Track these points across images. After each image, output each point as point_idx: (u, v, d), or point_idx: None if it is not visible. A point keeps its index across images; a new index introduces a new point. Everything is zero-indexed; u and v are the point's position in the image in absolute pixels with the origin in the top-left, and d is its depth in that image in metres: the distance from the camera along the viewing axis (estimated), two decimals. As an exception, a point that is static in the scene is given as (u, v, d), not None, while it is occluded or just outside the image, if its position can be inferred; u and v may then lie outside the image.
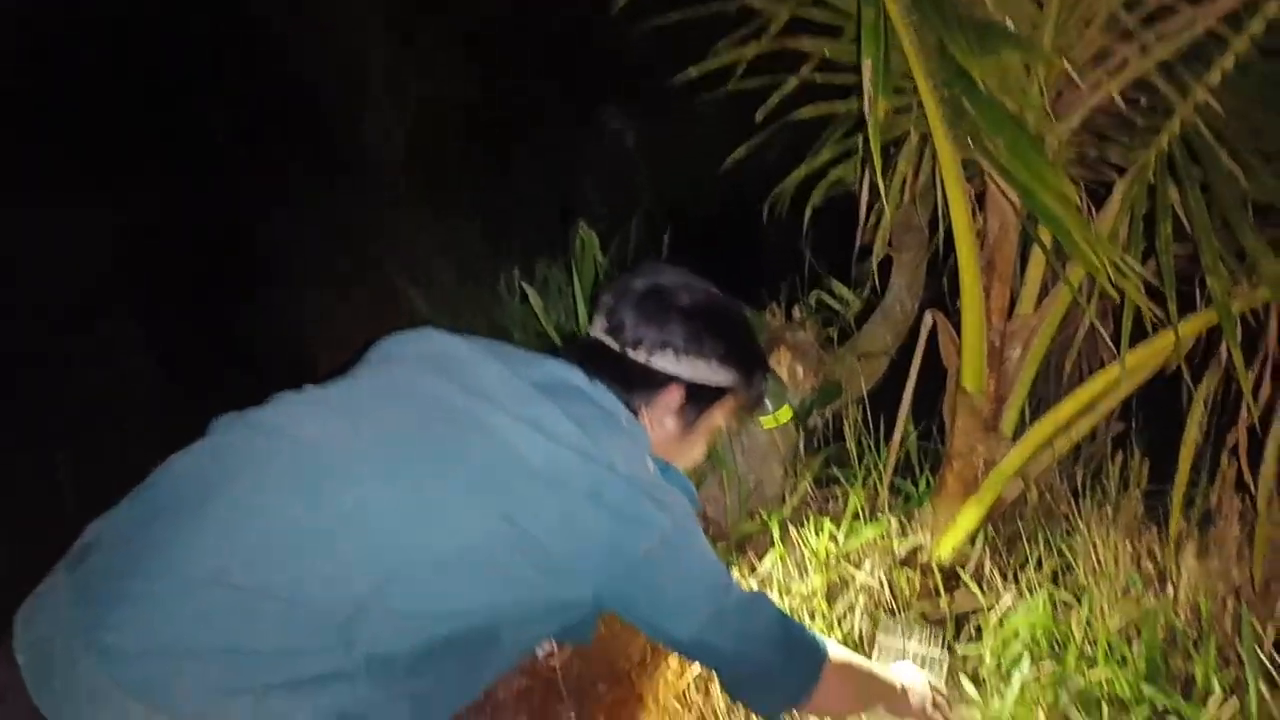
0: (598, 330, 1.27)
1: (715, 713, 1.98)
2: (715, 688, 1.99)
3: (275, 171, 4.47)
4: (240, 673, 0.97)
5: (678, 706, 2.03)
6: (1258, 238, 1.71)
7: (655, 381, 1.24)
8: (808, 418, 2.66)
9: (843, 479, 2.56)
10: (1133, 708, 1.86)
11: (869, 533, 2.35)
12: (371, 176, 4.99)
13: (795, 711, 1.37)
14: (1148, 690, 1.89)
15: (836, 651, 1.38)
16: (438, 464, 1.08)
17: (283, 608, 0.99)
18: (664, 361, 1.23)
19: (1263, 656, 2.05)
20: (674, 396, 1.24)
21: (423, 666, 1.05)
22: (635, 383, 1.23)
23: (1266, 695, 2.00)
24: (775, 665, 1.28)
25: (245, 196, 4.40)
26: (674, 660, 2.13)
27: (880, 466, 2.57)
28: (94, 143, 4.05)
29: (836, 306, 2.87)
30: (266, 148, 4.55)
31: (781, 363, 2.62)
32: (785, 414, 1.38)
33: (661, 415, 1.25)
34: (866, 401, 2.75)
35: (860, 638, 2.22)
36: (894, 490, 2.59)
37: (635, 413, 1.23)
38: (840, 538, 2.35)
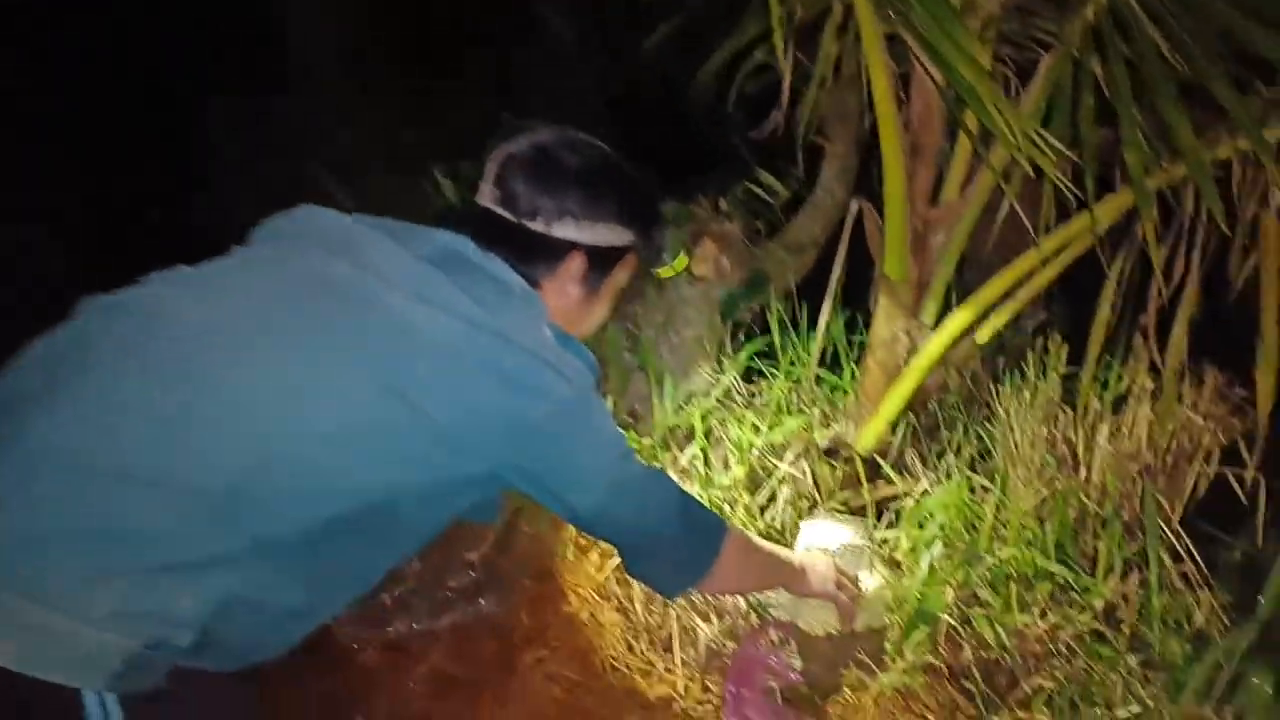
0: (488, 200, 1.22)
1: (635, 601, 1.98)
2: (632, 582, 2.00)
3: (201, 66, 4.22)
4: (113, 555, 0.94)
5: (598, 598, 2.03)
6: (1180, 112, 1.66)
7: (556, 250, 1.20)
8: (735, 312, 2.62)
9: (768, 372, 2.54)
10: (1037, 584, 1.90)
11: (791, 424, 2.34)
12: (301, 71, 4.74)
13: (695, 588, 1.38)
14: (1053, 567, 1.93)
15: (736, 530, 1.39)
16: (322, 339, 1.05)
17: (155, 490, 0.96)
18: (564, 229, 1.19)
19: (1168, 533, 2.12)
20: (577, 263, 1.21)
21: (316, 548, 1.03)
22: (534, 253, 1.20)
23: (1170, 569, 2.07)
24: (675, 539, 1.29)
25: (165, 94, 4.14)
26: (595, 554, 2.13)
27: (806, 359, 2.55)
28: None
29: (766, 197, 2.80)
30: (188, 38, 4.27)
31: (708, 256, 2.56)
32: (681, 262, 1.40)
33: (564, 283, 1.22)
34: (795, 294, 2.72)
35: (783, 528, 2.24)
36: (820, 382, 2.58)
37: (536, 284, 1.20)
38: (764, 430, 2.34)
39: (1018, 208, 1.98)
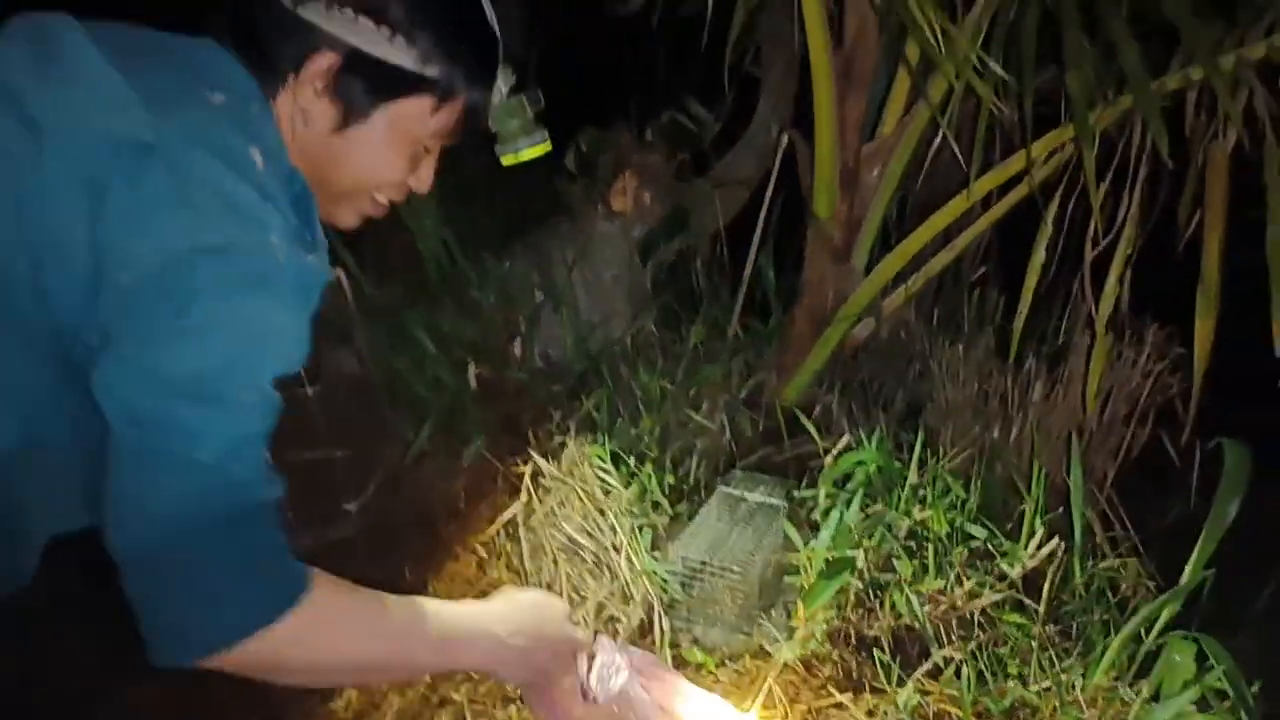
0: None
1: (521, 557, 1.83)
2: (523, 533, 1.84)
3: None
4: None
5: (484, 553, 1.88)
6: (1125, 30, 1.50)
7: (302, 40, 0.87)
8: (655, 252, 2.45)
9: (689, 318, 2.38)
10: (953, 546, 1.78)
11: (710, 373, 2.19)
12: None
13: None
14: (973, 530, 1.81)
15: (325, 587, 0.84)
16: None
17: None
18: (313, 12, 0.86)
19: (1100, 497, 2.01)
20: (323, 65, 0.87)
21: None
22: (275, 38, 0.87)
23: (1100, 535, 1.96)
24: (209, 550, 0.77)
25: None
26: (484, 507, 1.97)
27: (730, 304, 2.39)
28: None
29: (693, 128, 2.62)
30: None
31: (628, 188, 2.38)
32: (535, 150, 1.01)
33: (307, 92, 0.88)
34: (723, 236, 2.55)
35: (698, 485, 2.09)
36: (745, 329, 2.42)
37: (280, 87, 0.88)
38: (678, 377, 2.19)
39: (953, 143, 1.82)
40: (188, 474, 0.75)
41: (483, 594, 1.81)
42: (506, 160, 1.01)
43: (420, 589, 1.82)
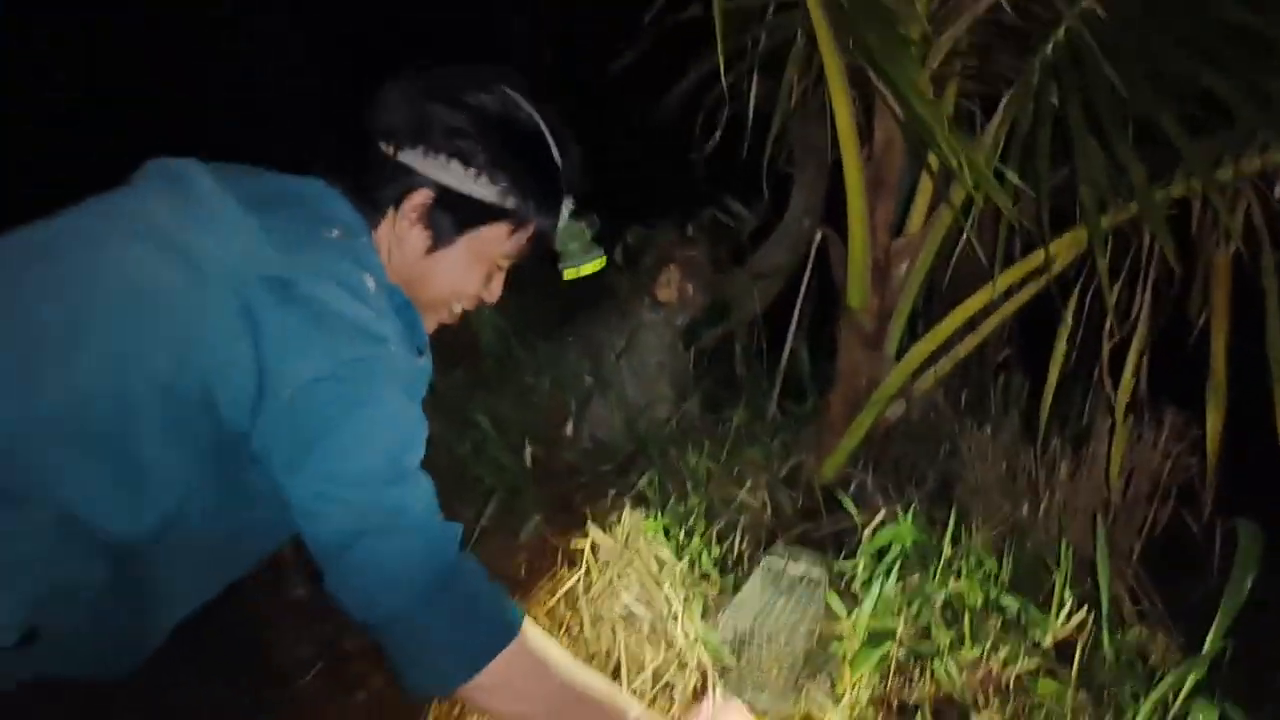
0: (367, 118, 1.07)
1: (581, 626, 1.95)
2: (584, 604, 1.96)
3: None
4: None
5: (547, 620, 2.00)
6: (1132, 150, 1.68)
7: (401, 181, 1.04)
8: (698, 339, 2.62)
9: (730, 401, 2.53)
10: (988, 617, 1.88)
11: (750, 453, 2.33)
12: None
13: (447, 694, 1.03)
14: (1006, 601, 1.92)
15: (537, 636, 1.01)
16: (65, 292, 0.89)
17: None
18: (410, 156, 1.03)
19: (1127, 571, 2.10)
20: (419, 201, 1.04)
21: (115, 548, 0.89)
22: (378, 183, 1.04)
23: (1126, 606, 2.06)
24: (434, 613, 0.94)
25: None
26: (544, 581, 2.10)
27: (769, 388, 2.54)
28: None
29: (732, 225, 2.81)
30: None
31: (672, 280, 2.56)
32: (593, 265, 1.18)
33: (404, 224, 1.04)
34: (760, 323, 2.72)
35: (740, 557, 2.21)
36: (783, 412, 2.57)
37: (382, 219, 1.05)
38: (723, 457, 2.33)
39: (974, 242, 1.98)
40: (405, 542, 0.92)
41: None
42: (569, 275, 1.19)
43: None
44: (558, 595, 2.03)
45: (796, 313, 2.44)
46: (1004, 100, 1.98)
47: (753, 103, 2.18)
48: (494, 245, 1.10)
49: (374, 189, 1.04)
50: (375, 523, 0.91)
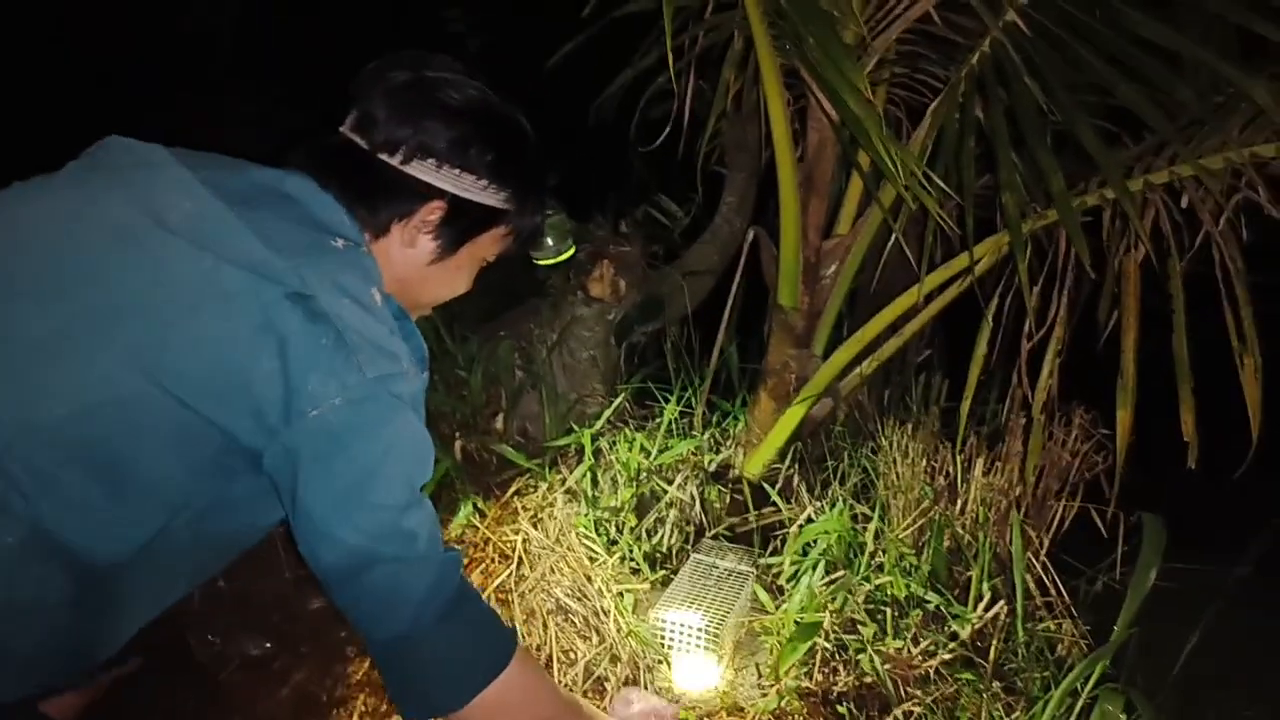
0: (347, 125, 1.04)
1: (513, 621, 1.94)
2: (515, 599, 1.95)
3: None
4: None
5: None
6: (1052, 159, 1.75)
7: (410, 194, 1.03)
8: (629, 335, 2.62)
9: (661, 396, 2.55)
10: (911, 610, 1.94)
11: (681, 447, 2.35)
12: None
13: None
14: (926, 595, 1.98)
15: (529, 661, 1.05)
16: (69, 295, 0.87)
17: None
18: (422, 170, 1.02)
19: (1035, 564, 2.19)
20: (433, 214, 1.04)
21: (86, 567, 0.86)
22: (383, 193, 1.02)
23: (1037, 599, 2.15)
24: (436, 642, 0.96)
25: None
26: (477, 572, 2.08)
27: (699, 384, 2.57)
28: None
29: (665, 222, 2.83)
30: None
31: (605, 276, 2.56)
32: (566, 254, 1.23)
33: (414, 236, 1.04)
34: (691, 320, 2.74)
35: (670, 552, 2.23)
36: (712, 408, 2.60)
37: (385, 231, 1.03)
38: (653, 452, 2.34)
39: (903, 244, 2.04)
40: (417, 569, 0.93)
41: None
42: (544, 263, 1.24)
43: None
44: (489, 589, 2.02)
45: (727, 310, 2.47)
46: (931, 107, 2.04)
47: (688, 102, 2.20)
48: (490, 247, 1.12)
49: (377, 199, 1.03)
50: (390, 549, 0.91)
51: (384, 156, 1.02)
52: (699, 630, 1.81)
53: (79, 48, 4.06)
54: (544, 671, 1.12)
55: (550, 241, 1.21)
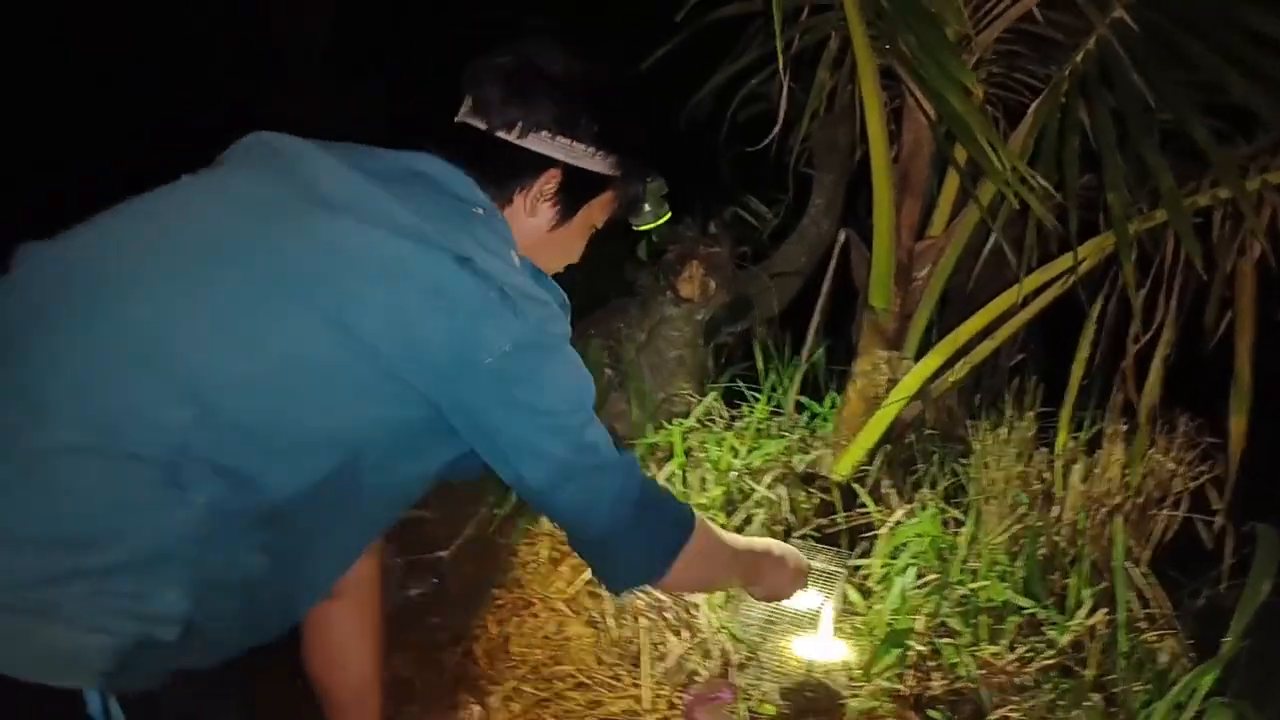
0: (462, 112, 1.13)
1: (606, 615, 1.97)
2: (603, 596, 1.99)
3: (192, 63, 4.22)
4: (60, 559, 0.85)
5: (568, 611, 2.02)
6: (1161, 159, 1.71)
7: (529, 166, 1.11)
8: (717, 335, 2.64)
9: (749, 396, 2.55)
10: (1007, 616, 1.91)
11: (770, 447, 2.35)
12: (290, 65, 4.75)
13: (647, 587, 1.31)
14: (1022, 601, 1.94)
15: (702, 531, 1.22)
16: (245, 266, 0.95)
17: (93, 463, 0.87)
18: (538, 143, 1.10)
19: (1136, 574, 2.13)
20: (550, 182, 1.12)
21: (278, 515, 0.93)
22: (506, 168, 1.11)
23: (1138, 610, 2.09)
24: (628, 535, 1.12)
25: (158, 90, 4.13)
26: (567, 566, 2.12)
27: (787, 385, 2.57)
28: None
29: (753, 223, 2.84)
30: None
31: (694, 276, 2.58)
32: (665, 219, 1.29)
33: (536, 204, 1.13)
34: (779, 321, 2.74)
35: (766, 549, 2.24)
36: (800, 408, 2.59)
37: (510, 201, 1.12)
38: (742, 452, 2.35)
39: (1004, 243, 2.01)
40: (607, 476, 1.08)
41: (560, 647, 1.96)
42: (644, 227, 1.30)
43: (505, 642, 1.96)
44: (578, 584, 2.06)
45: (817, 311, 2.46)
46: (1033, 106, 2.01)
47: (783, 106, 2.20)
48: (601, 212, 1.19)
49: (500, 172, 1.10)
50: (581, 462, 1.05)
51: (502, 134, 1.09)
52: (789, 629, 1.81)
53: (79, 48, 4.13)
54: (718, 533, 1.28)
55: (649, 206, 1.26)
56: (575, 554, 1.22)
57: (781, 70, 1.61)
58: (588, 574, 2.03)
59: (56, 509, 0.87)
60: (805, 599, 1.92)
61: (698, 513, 1.22)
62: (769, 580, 1.44)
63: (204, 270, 0.95)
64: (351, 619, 1.36)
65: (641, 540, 1.15)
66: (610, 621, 1.95)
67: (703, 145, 2.69)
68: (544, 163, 1.10)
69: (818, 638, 1.81)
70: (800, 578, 1.49)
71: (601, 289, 2.78)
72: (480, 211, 1.05)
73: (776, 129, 2.29)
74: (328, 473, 0.96)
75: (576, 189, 1.13)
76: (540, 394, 1.01)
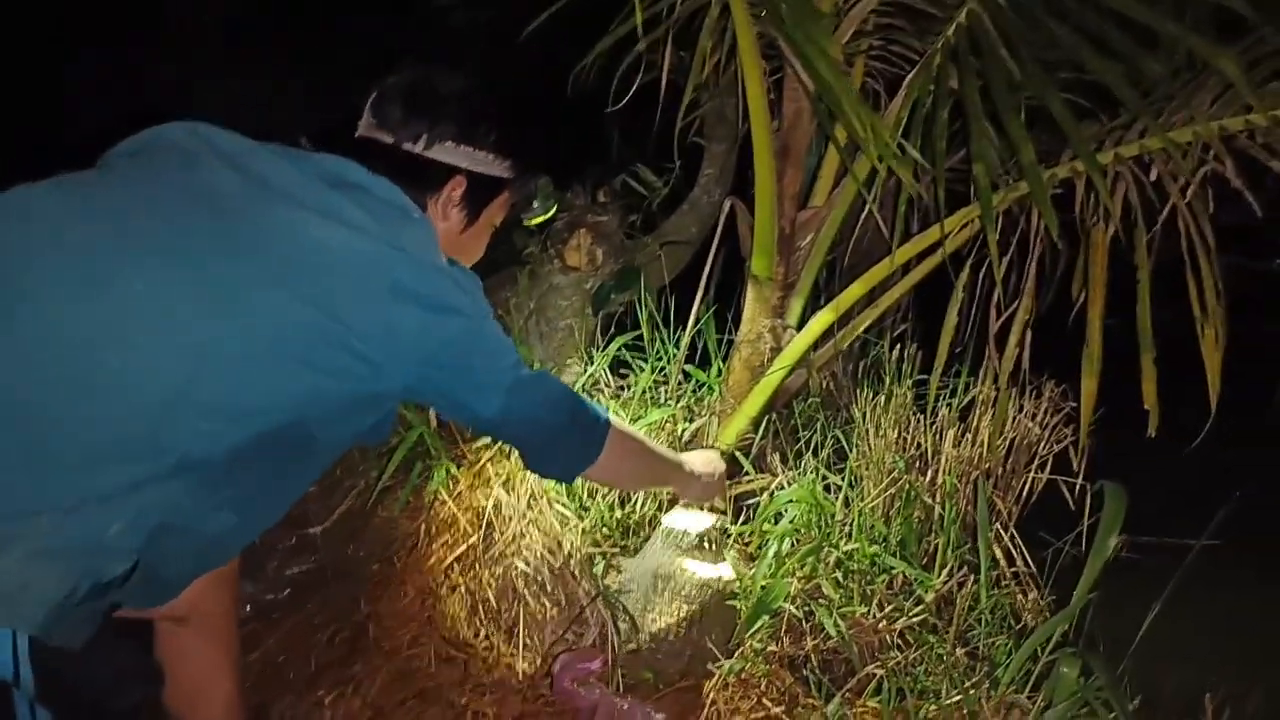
0: (365, 128, 1.24)
1: (484, 586, 1.96)
2: (481, 568, 1.97)
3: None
4: (34, 491, 0.94)
5: (446, 585, 2.00)
6: (1022, 129, 1.76)
7: (437, 174, 1.23)
8: (607, 304, 2.63)
9: (635, 366, 2.55)
10: (876, 577, 1.97)
11: (654, 415, 2.36)
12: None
13: (588, 474, 1.41)
14: (893, 562, 2.01)
15: (618, 422, 1.42)
16: (230, 252, 1.04)
17: (78, 415, 0.96)
18: (443, 153, 1.22)
19: (1005, 535, 2.22)
20: (456, 189, 1.24)
21: (240, 467, 1.03)
22: (416, 176, 1.21)
23: (1003, 568, 2.18)
24: (567, 429, 1.31)
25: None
26: (438, 543, 2.09)
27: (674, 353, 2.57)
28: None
29: (643, 192, 2.82)
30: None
31: (582, 245, 2.56)
32: (549, 212, 1.43)
33: (446, 208, 1.25)
34: (668, 290, 2.74)
35: (643, 520, 2.25)
36: (686, 377, 2.60)
37: (424, 208, 1.22)
38: (627, 420, 2.35)
39: (877, 215, 2.05)
40: (538, 385, 1.25)
41: (443, 620, 1.94)
42: (532, 222, 1.46)
43: (381, 618, 1.94)
44: (457, 551, 2.04)
45: (704, 280, 2.47)
46: (907, 79, 2.04)
47: (665, 72, 2.19)
48: (499, 213, 1.33)
49: (411, 182, 1.20)
50: (520, 393, 1.20)
51: (408, 146, 1.21)
52: (668, 596, 1.83)
53: (79, 47, 4.06)
54: (633, 434, 1.52)
55: (538, 200, 1.41)
56: (527, 465, 1.38)
57: (647, 38, 1.59)
58: (470, 540, 2.01)
59: (31, 447, 0.95)
60: (691, 563, 1.95)
61: (616, 422, 1.39)
62: (690, 481, 1.67)
63: (183, 253, 1.03)
64: (206, 651, 1.38)
65: (578, 431, 1.33)
66: (491, 594, 1.94)
67: (591, 114, 2.66)
68: (450, 171, 1.23)
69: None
70: (721, 480, 1.75)
71: (490, 257, 2.73)
72: (417, 215, 1.16)
73: (661, 96, 2.30)
74: (288, 437, 1.06)
75: (480, 192, 1.26)
76: (490, 354, 1.18)
